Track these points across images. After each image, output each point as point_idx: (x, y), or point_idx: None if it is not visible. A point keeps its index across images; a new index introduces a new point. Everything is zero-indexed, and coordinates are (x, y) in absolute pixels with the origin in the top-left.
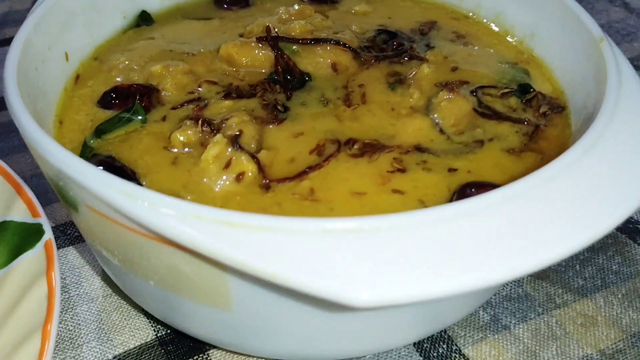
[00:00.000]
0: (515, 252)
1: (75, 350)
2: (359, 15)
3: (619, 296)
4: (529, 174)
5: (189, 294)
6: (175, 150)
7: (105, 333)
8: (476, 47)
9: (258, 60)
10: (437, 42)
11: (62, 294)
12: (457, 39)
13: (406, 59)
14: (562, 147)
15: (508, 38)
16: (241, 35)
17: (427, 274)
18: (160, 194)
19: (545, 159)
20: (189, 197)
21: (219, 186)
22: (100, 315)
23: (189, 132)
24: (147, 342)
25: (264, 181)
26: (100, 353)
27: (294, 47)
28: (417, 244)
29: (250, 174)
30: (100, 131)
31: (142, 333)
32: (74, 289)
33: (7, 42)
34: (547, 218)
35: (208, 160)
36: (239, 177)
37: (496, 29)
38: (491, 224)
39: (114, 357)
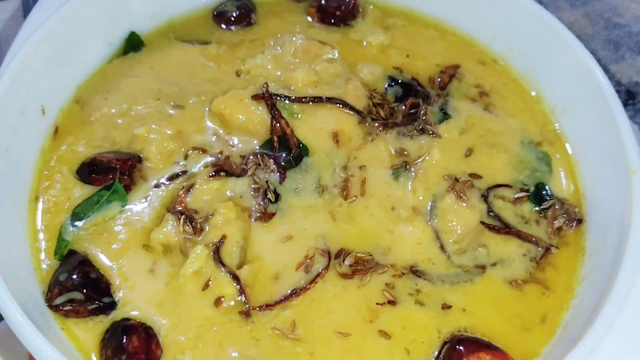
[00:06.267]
0: None
1: None
2: (372, 49)
3: None
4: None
5: None
6: (152, 262)
7: None
8: (499, 115)
9: (252, 122)
10: (455, 103)
11: None
12: (479, 97)
13: (416, 132)
14: (568, 283)
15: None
16: (238, 74)
17: None
18: None
19: (548, 297)
20: (163, 320)
21: (195, 311)
22: None
23: (170, 229)
24: None
25: (244, 307)
26: None
27: (295, 106)
28: None
29: (230, 301)
30: (76, 216)
31: None
32: None
33: None
34: None
35: (187, 277)
36: (218, 301)
37: (526, 86)
38: None
39: None
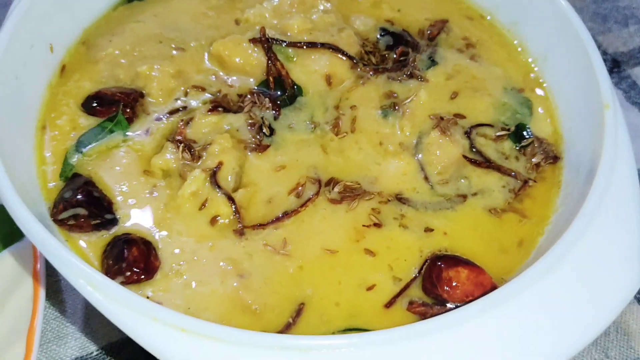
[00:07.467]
0: None
1: (61, 340)
2: (366, 3)
3: None
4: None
5: None
6: (152, 185)
7: (90, 325)
8: (484, 64)
9: (249, 64)
10: (443, 52)
11: (49, 277)
12: (466, 48)
13: (405, 76)
14: (544, 212)
15: (519, 49)
16: (237, 23)
17: None
18: (123, 289)
19: (525, 224)
20: (162, 235)
21: (192, 228)
22: (86, 304)
23: (169, 156)
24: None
25: (238, 226)
26: (85, 345)
27: (290, 50)
28: None
29: (225, 220)
30: (81, 143)
31: None
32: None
33: None
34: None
35: (184, 197)
36: (214, 219)
37: (511, 38)
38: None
39: (97, 350)
